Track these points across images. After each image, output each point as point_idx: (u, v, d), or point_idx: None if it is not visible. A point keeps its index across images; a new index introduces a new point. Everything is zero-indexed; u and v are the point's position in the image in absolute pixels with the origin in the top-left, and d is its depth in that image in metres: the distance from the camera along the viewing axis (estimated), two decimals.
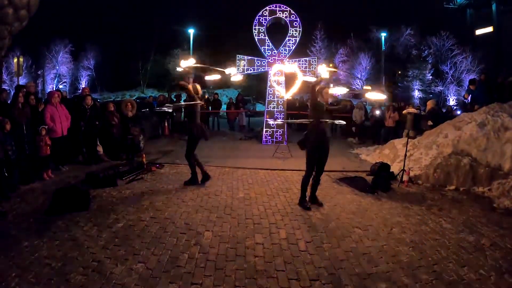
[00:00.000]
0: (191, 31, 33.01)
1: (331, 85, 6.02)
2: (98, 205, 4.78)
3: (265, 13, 10.58)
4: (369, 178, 6.24)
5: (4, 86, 12.11)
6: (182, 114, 11.46)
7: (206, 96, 15.28)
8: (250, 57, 10.72)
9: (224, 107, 16.23)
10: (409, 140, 6.92)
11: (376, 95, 5.67)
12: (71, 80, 35.33)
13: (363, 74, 32.10)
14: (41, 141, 6.06)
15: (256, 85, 29.11)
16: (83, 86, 27.07)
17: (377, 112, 11.75)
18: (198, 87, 5.88)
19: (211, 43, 35.35)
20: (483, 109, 7.32)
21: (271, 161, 8.03)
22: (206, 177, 6.00)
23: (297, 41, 10.65)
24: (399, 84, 31.17)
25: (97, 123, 7.55)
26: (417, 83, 30.42)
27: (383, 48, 32.49)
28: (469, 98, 9.80)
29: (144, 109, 11.59)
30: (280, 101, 10.62)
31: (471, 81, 10.08)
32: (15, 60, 12.80)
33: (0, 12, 6.74)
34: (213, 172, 6.90)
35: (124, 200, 5.01)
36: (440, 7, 34.41)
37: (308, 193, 5.01)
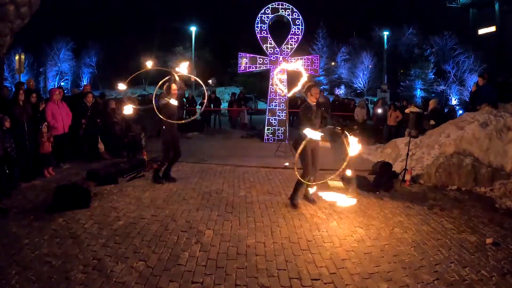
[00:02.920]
0: (193, 29, 32.94)
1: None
2: (99, 202, 4.78)
3: (267, 10, 10.54)
4: (371, 177, 6.22)
5: (6, 83, 12.09)
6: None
7: (208, 94, 15.26)
8: (252, 55, 10.70)
9: (225, 105, 16.21)
10: (411, 139, 6.89)
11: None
12: (72, 78, 35.39)
13: (365, 72, 32.05)
14: (42, 137, 6.05)
15: (258, 83, 29.06)
16: (84, 84, 27.09)
17: (379, 111, 11.71)
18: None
19: (213, 41, 35.28)
20: (486, 109, 7.28)
21: (272, 159, 8.01)
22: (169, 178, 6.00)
23: (299, 39, 10.61)
24: (401, 83, 31.11)
25: (98, 120, 7.54)
26: (419, 82, 30.35)
27: (386, 47, 32.39)
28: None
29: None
30: (282, 99, 10.60)
31: (480, 76, 9.97)
32: (17, 57, 12.76)
33: (1, 10, 6.72)
34: (214, 170, 6.90)
35: (125, 198, 5.01)
36: (443, 6, 34.27)
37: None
